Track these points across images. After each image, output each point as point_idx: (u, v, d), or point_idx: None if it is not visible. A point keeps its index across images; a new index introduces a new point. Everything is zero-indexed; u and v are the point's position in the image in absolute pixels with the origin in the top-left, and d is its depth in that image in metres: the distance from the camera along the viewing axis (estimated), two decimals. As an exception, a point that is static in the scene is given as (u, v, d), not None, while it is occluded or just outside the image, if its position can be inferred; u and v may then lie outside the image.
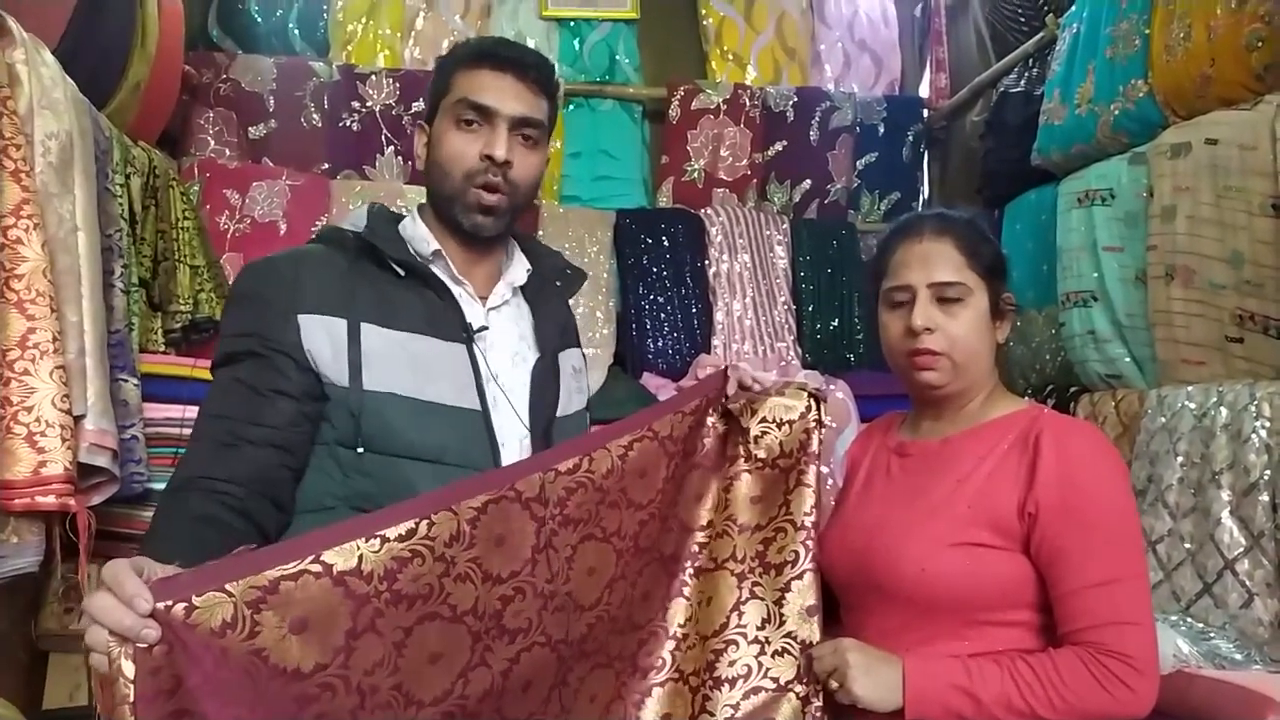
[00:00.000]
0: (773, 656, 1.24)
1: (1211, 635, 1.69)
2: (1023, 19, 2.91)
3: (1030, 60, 2.85)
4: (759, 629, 1.25)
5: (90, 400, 1.71)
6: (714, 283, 3.07)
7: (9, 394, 1.56)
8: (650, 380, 2.92)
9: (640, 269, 3.04)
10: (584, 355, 1.51)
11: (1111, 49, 2.28)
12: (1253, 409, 1.77)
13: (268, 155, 2.97)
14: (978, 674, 1.13)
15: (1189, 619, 1.77)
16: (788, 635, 1.24)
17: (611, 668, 1.20)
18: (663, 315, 3.01)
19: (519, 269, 1.39)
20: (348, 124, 3.02)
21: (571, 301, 3.00)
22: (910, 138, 3.43)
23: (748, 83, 3.36)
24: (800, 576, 1.26)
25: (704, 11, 3.42)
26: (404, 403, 1.19)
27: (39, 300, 1.59)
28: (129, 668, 0.75)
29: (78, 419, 1.67)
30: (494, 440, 1.24)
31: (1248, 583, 1.72)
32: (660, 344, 2.99)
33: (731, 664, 1.23)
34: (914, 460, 1.32)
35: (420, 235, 1.32)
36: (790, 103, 3.31)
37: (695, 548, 1.30)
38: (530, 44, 2.84)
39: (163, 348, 2.31)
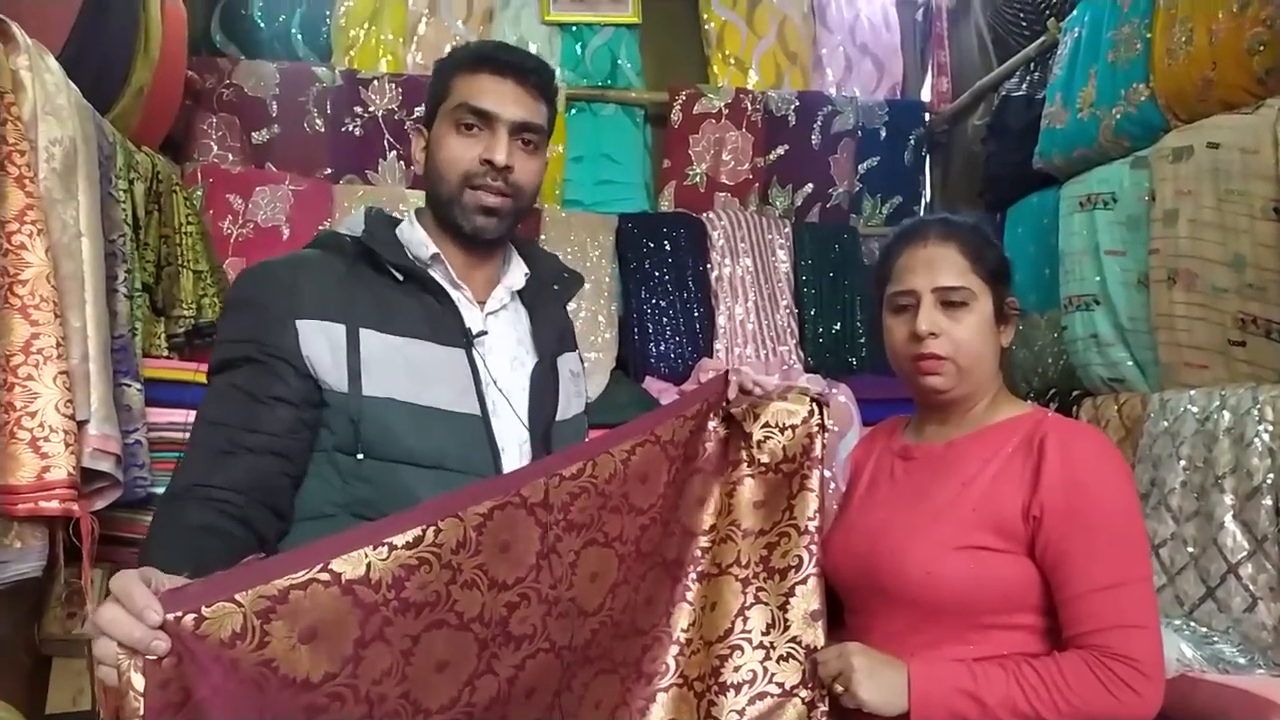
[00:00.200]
0: (778, 661, 1.24)
1: (1215, 639, 1.69)
2: (1024, 23, 2.92)
3: (1032, 64, 2.86)
4: (763, 634, 1.25)
5: (94, 405, 1.71)
6: (716, 286, 3.07)
7: (13, 399, 1.56)
8: (652, 384, 2.92)
9: (642, 273, 3.04)
10: (581, 358, 1.51)
11: (1113, 53, 2.28)
12: (1255, 413, 1.77)
13: (270, 160, 2.97)
14: (983, 678, 1.13)
15: (1192, 623, 1.76)
16: (792, 640, 1.24)
17: (616, 673, 1.20)
18: (665, 319, 3.01)
19: (517, 273, 1.39)
20: (350, 129, 3.03)
21: (573, 306, 3.01)
22: (912, 142, 3.44)
23: (749, 87, 3.36)
24: (804, 581, 1.25)
25: (705, 16, 3.42)
26: (403, 408, 1.19)
27: (43, 306, 1.59)
28: (138, 680, 0.75)
29: (81, 424, 1.67)
30: (494, 445, 1.24)
31: (1251, 587, 1.71)
32: (662, 348, 2.99)
33: (736, 669, 1.23)
34: (918, 463, 1.32)
35: (418, 239, 1.32)
36: (792, 107, 3.32)
37: (698, 552, 1.29)
38: (532, 49, 2.84)
39: (166, 353, 2.31)
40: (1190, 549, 1.85)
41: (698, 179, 3.27)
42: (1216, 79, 1.95)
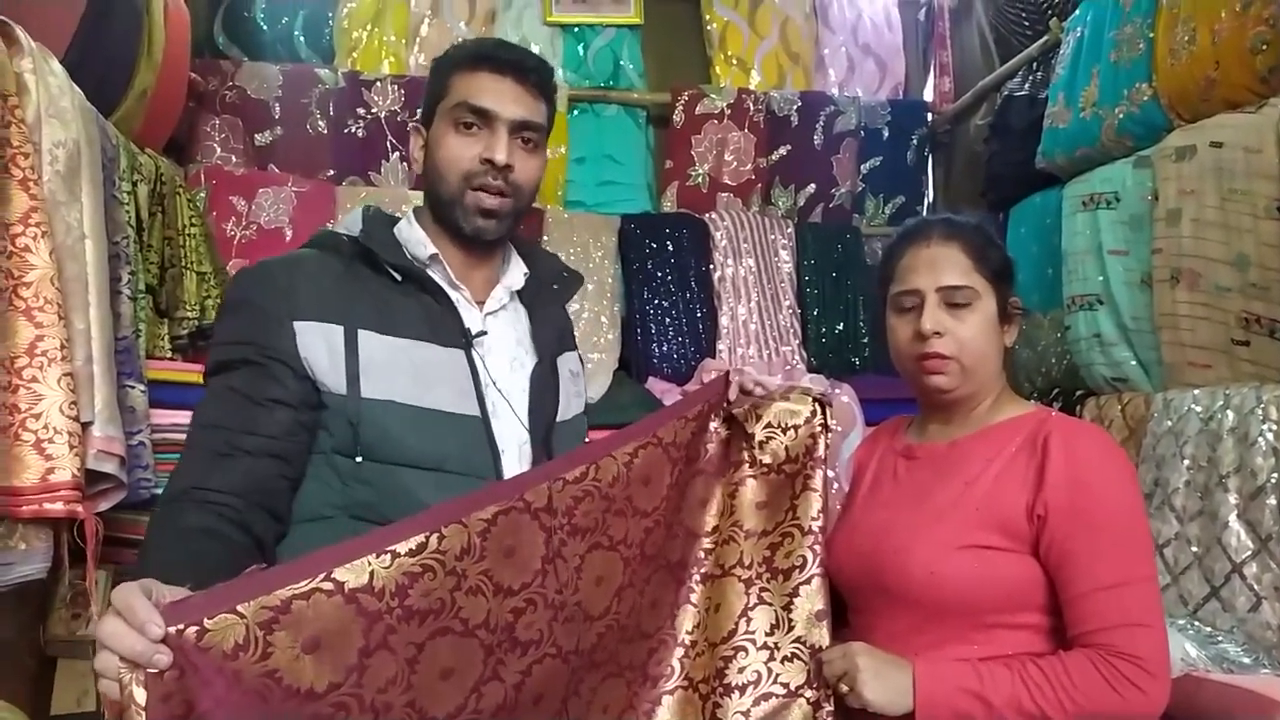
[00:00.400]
0: (782, 662, 1.24)
1: (1219, 639, 1.69)
2: (1026, 22, 2.92)
3: (1034, 64, 2.85)
4: (768, 634, 1.25)
5: (98, 407, 1.72)
6: (719, 287, 3.07)
7: (17, 401, 1.56)
8: (655, 385, 2.92)
9: (645, 274, 3.04)
10: (581, 358, 1.50)
11: (1116, 52, 2.28)
12: (1259, 412, 1.77)
13: (273, 162, 2.97)
14: (988, 677, 1.13)
15: (1196, 623, 1.76)
16: (797, 640, 1.24)
17: (622, 677, 1.19)
18: (667, 320, 3.01)
19: (516, 273, 1.38)
20: (353, 130, 3.03)
21: (576, 307, 3.02)
22: (914, 141, 3.43)
23: (752, 87, 3.36)
24: (809, 581, 1.25)
25: (708, 17, 3.43)
26: (403, 410, 1.18)
27: (47, 308, 1.59)
28: (140, 694, 0.74)
29: (85, 426, 1.67)
30: (494, 446, 1.23)
31: (1255, 586, 1.71)
32: (665, 349, 2.99)
33: (741, 670, 1.23)
34: (921, 463, 1.32)
35: (417, 239, 1.31)
36: (794, 107, 3.32)
37: (701, 554, 1.29)
38: (535, 49, 2.84)
39: (170, 354, 2.32)
40: (1194, 549, 1.85)
41: (700, 179, 3.27)
42: (1219, 78, 1.95)
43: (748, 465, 1.30)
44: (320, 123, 3.01)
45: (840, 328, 3.12)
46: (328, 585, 0.84)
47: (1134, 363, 2.26)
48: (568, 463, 1.09)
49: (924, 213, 3.43)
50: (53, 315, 1.60)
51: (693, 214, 3.19)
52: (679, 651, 1.25)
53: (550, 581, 1.04)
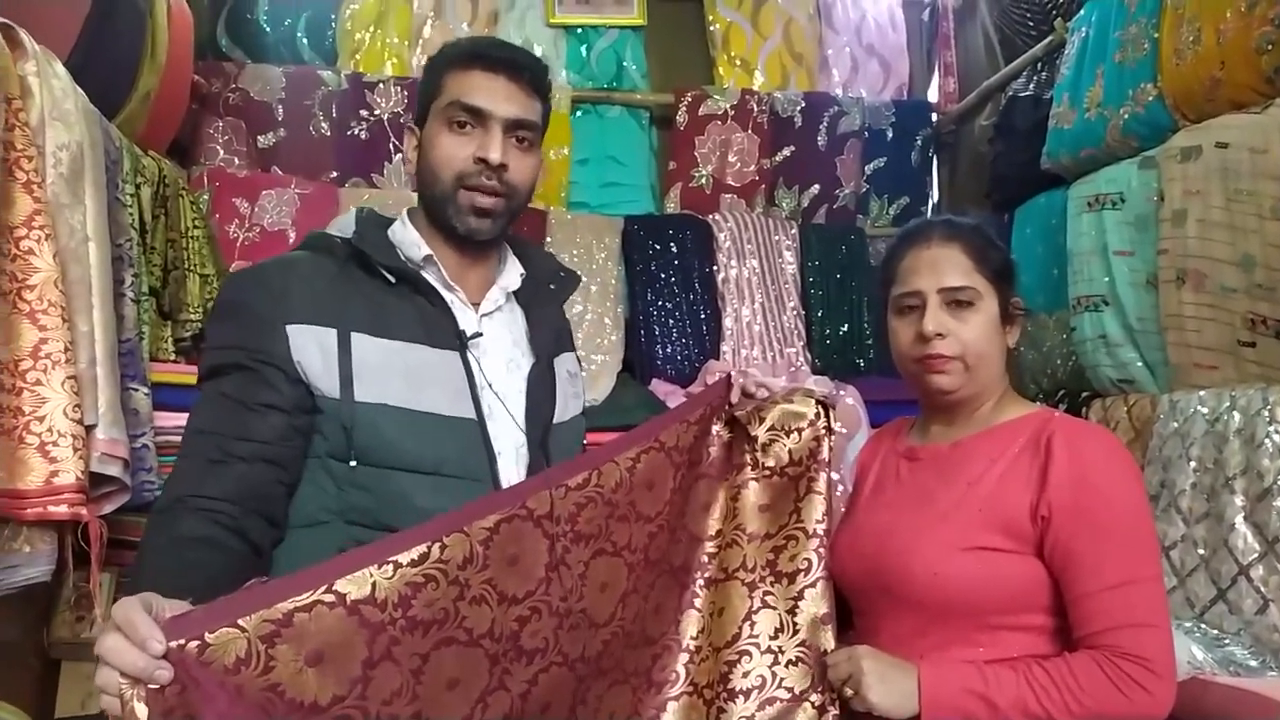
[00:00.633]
0: (787, 666, 1.23)
1: (1226, 642, 1.68)
2: (1031, 23, 2.91)
3: (1039, 64, 2.85)
4: (772, 638, 1.25)
5: (101, 409, 1.72)
6: (723, 288, 3.07)
7: (21, 404, 1.56)
8: (659, 386, 2.92)
9: (649, 275, 3.03)
10: (579, 358, 1.49)
11: (1120, 53, 2.27)
12: (1266, 413, 1.76)
13: (277, 164, 2.97)
14: (993, 679, 1.12)
15: (1203, 625, 1.75)
16: (801, 644, 1.24)
17: (628, 684, 1.19)
18: (671, 321, 3.01)
19: (512, 273, 1.36)
20: (356, 132, 3.03)
21: (579, 308, 3.02)
22: (919, 142, 3.43)
23: (755, 88, 3.35)
24: (814, 585, 1.25)
25: (711, 18, 3.42)
26: (397, 414, 1.17)
27: (50, 311, 1.59)
28: (142, 710, 0.74)
29: (89, 428, 1.68)
30: (490, 449, 1.22)
31: (1262, 589, 1.70)
32: (669, 350, 2.99)
33: (745, 675, 1.23)
34: (924, 464, 1.32)
35: (411, 240, 1.29)
36: (798, 108, 3.31)
37: (705, 558, 1.29)
38: (537, 51, 2.84)
39: (173, 356, 2.32)
40: (1201, 551, 1.84)
41: (704, 181, 3.26)
42: (1225, 78, 1.94)
43: (750, 468, 1.29)
44: (323, 124, 3.01)
45: (844, 329, 3.11)
46: (329, 597, 0.83)
47: (1140, 364, 2.25)
48: (570, 469, 1.09)
49: (929, 213, 3.42)
50: (56, 318, 1.60)
51: (696, 215, 3.18)
52: (684, 657, 1.25)
53: (554, 589, 1.04)
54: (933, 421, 1.36)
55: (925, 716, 1.13)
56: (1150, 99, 2.16)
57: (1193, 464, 1.91)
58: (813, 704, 1.22)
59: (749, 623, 1.25)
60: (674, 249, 3.06)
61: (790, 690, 1.22)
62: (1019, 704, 1.10)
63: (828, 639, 1.24)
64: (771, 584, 1.27)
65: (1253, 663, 1.62)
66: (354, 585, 0.85)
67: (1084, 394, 2.47)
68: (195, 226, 2.46)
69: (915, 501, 1.28)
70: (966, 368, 1.26)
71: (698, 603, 1.27)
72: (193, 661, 0.75)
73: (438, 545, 0.91)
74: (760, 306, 3.06)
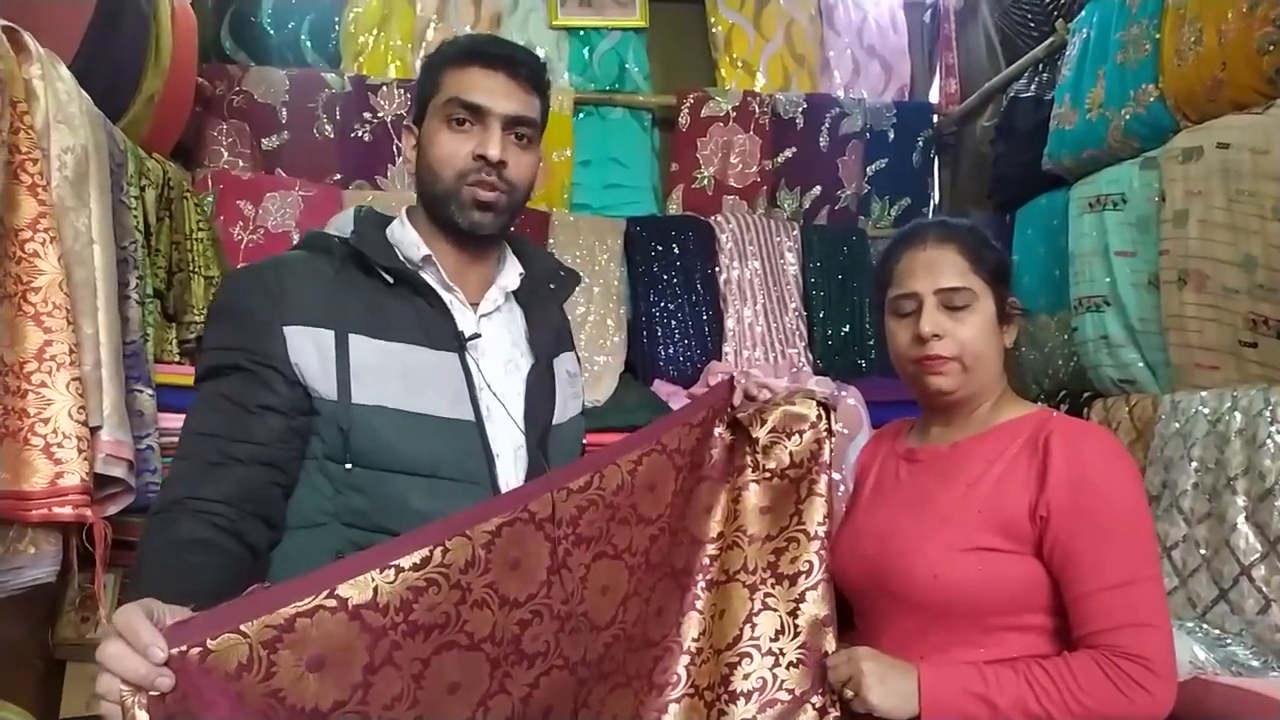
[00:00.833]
0: (788, 668, 1.23)
1: (1228, 642, 1.68)
2: (1032, 24, 2.91)
3: (1040, 65, 2.84)
4: (772, 640, 1.24)
5: (106, 411, 1.72)
6: (724, 289, 3.07)
7: (26, 406, 1.57)
8: (661, 388, 2.92)
9: (651, 276, 3.04)
10: (578, 358, 1.48)
11: (1122, 54, 2.27)
12: (1267, 414, 1.76)
13: (280, 166, 2.98)
14: (993, 680, 1.13)
15: (1205, 625, 1.75)
16: (802, 646, 1.24)
17: (630, 686, 1.19)
18: (673, 322, 3.01)
19: (511, 273, 1.36)
20: (359, 134, 3.04)
21: (582, 309, 3.02)
22: (920, 143, 3.43)
23: (757, 90, 3.35)
24: (815, 587, 1.25)
25: (713, 19, 3.43)
26: (395, 416, 1.16)
27: (55, 313, 1.60)
28: (143, 717, 0.74)
29: (94, 430, 1.68)
30: (489, 451, 1.21)
31: (1264, 589, 1.70)
32: (671, 351, 2.99)
33: (746, 677, 1.23)
34: (923, 466, 1.32)
35: (410, 240, 1.29)
36: (800, 109, 3.32)
37: (706, 560, 1.29)
38: (540, 53, 2.84)
39: (178, 358, 2.33)
40: (1202, 551, 1.84)
41: (706, 182, 3.27)
42: (1226, 79, 1.94)
43: (751, 470, 1.29)
44: (327, 127, 3.02)
45: (846, 330, 3.11)
46: (331, 602, 0.83)
47: (1141, 364, 2.25)
48: (572, 472, 1.09)
49: (930, 215, 3.42)
50: (61, 320, 1.60)
51: (698, 216, 3.19)
52: (685, 659, 1.25)
53: (556, 592, 1.04)
54: (932, 423, 1.36)
55: (925, 717, 1.13)
56: (1151, 100, 2.16)
57: (1194, 464, 1.91)
58: (814, 706, 1.22)
59: (750, 625, 1.25)
60: (676, 250, 3.07)
61: (791, 692, 1.22)
62: (1019, 704, 1.11)
63: (829, 641, 1.24)
64: (773, 586, 1.27)
65: (1254, 663, 1.62)
66: (356, 590, 0.85)
67: (1085, 394, 2.47)
68: (199, 229, 2.47)
69: (915, 503, 1.28)
70: (964, 368, 1.26)
71: (699, 605, 1.27)
72: (194, 668, 0.75)
73: (440, 549, 0.91)
74: (762, 307, 3.06)
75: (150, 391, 2.03)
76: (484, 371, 1.25)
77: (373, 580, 0.86)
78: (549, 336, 1.36)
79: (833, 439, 1.29)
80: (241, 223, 2.78)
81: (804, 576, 1.25)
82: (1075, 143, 2.45)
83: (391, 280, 1.24)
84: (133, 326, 1.98)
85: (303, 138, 3.00)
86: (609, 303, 2.99)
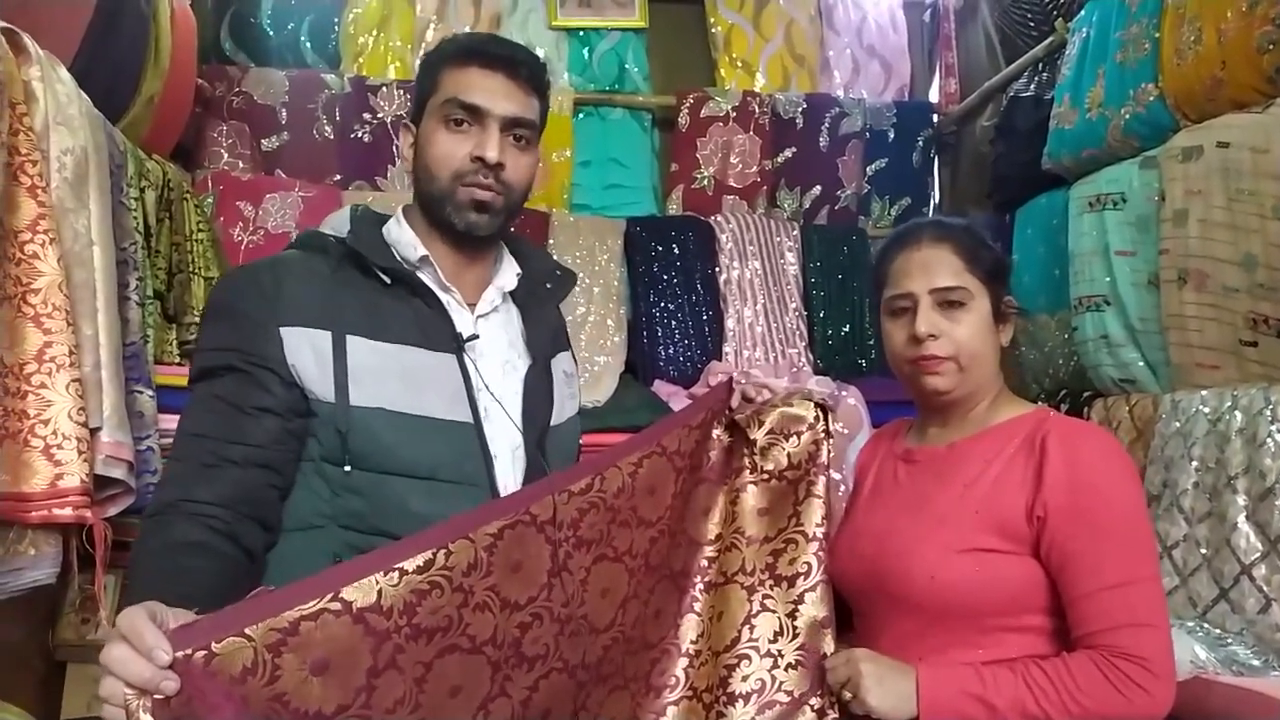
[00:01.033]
0: (786, 670, 1.23)
1: (1229, 641, 1.68)
2: (1032, 23, 2.91)
3: (1040, 64, 2.84)
4: (771, 642, 1.24)
5: (106, 412, 1.72)
6: (725, 289, 3.07)
7: (26, 407, 1.57)
8: (662, 388, 2.92)
9: (651, 276, 3.04)
10: (574, 358, 1.47)
11: (1121, 53, 2.27)
12: (1268, 413, 1.76)
13: (280, 167, 2.98)
14: (991, 681, 1.12)
15: (1205, 625, 1.75)
16: (801, 648, 1.24)
17: (627, 689, 1.19)
18: (674, 322, 3.01)
19: (509, 273, 1.35)
20: (359, 135, 3.04)
21: (582, 309, 3.01)
22: (920, 143, 3.43)
23: (757, 90, 3.35)
24: (813, 588, 1.25)
25: (712, 20, 3.43)
26: (393, 418, 1.15)
27: (55, 314, 1.60)
28: None
29: (94, 431, 1.68)
30: (487, 453, 1.20)
31: (1265, 588, 1.70)
32: (671, 351, 2.99)
33: (745, 679, 1.22)
34: (921, 466, 1.32)
35: (406, 240, 1.28)
36: (799, 109, 3.32)
37: (704, 562, 1.29)
38: (539, 53, 2.84)
39: (178, 359, 2.32)
40: (1203, 550, 1.84)
41: (705, 182, 3.27)
42: (1226, 78, 1.94)
43: (749, 471, 1.29)
44: (327, 128, 3.02)
45: (846, 329, 3.11)
46: (336, 605, 0.83)
47: (1141, 364, 2.25)
48: (573, 474, 1.09)
49: (930, 214, 3.42)
50: (61, 321, 1.60)
51: (698, 216, 3.19)
52: (683, 661, 1.25)
53: (556, 595, 1.04)
54: (929, 423, 1.36)
55: (924, 719, 1.13)
56: (1151, 99, 2.16)
57: (1194, 464, 1.91)
58: (812, 707, 1.22)
59: (748, 626, 1.25)
60: (676, 250, 3.07)
61: (790, 693, 1.22)
62: (1017, 705, 1.10)
63: (827, 642, 1.24)
64: (771, 587, 1.26)
65: (1255, 662, 1.62)
66: (360, 593, 0.84)
67: (1086, 394, 2.47)
68: (199, 230, 2.47)
69: (913, 504, 1.28)
70: (960, 368, 1.26)
71: (697, 607, 1.27)
72: (199, 671, 0.75)
73: (443, 552, 0.91)
74: (762, 307, 3.06)
75: (150, 393, 2.03)
76: (482, 372, 1.24)
77: (377, 583, 0.86)
78: (546, 337, 1.35)
79: (831, 440, 1.29)
80: (241, 224, 2.79)
81: (802, 578, 1.25)
82: (1075, 142, 2.45)
83: (389, 281, 1.23)
84: (133, 328, 1.98)
85: (302, 139, 3.00)
86: (609, 303, 2.99)
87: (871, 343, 3.10)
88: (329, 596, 0.83)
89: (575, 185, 3.23)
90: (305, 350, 1.15)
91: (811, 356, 3.07)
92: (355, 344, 1.16)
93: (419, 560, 0.89)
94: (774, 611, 1.26)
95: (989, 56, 3.21)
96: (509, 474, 1.22)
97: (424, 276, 1.26)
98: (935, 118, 3.48)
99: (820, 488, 1.27)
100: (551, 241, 2.98)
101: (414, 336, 1.20)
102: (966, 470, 1.24)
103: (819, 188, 3.33)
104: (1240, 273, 1.89)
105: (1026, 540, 1.17)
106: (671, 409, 2.68)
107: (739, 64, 3.41)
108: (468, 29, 3.21)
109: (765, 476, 1.28)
